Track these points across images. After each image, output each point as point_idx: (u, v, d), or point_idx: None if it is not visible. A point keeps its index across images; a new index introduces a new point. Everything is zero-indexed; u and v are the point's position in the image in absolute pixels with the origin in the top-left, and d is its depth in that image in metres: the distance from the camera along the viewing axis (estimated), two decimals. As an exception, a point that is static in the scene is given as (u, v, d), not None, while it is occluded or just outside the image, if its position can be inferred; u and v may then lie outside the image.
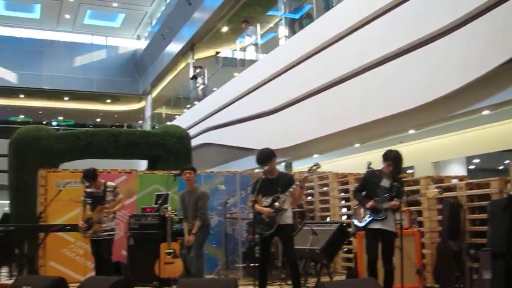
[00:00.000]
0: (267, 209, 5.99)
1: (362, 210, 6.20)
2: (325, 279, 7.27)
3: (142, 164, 14.83)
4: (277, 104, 12.35)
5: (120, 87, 29.46)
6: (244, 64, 16.31)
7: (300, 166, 13.76)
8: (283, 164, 13.76)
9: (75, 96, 29.46)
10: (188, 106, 21.71)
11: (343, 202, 9.79)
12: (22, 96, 29.09)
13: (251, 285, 6.50)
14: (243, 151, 14.25)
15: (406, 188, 7.18)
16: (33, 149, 10.31)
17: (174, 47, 23.49)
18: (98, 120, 32.89)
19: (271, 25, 17.24)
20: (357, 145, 12.31)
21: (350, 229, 7.86)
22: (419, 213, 7.73)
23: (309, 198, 10.53)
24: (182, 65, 24.62)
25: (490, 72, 7.00)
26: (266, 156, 6.14)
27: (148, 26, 29.11)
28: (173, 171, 7.37)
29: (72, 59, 28.55)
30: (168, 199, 8.45)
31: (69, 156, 10.92)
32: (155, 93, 29.06)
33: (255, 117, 13.58)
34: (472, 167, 17.07)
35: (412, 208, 7.54)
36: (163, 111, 26.02)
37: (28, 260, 8.27)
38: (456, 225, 6.97)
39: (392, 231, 5.93)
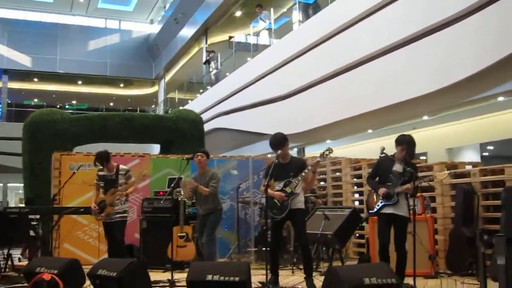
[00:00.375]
0: (279, 193, 6.00)
1: (375, 195, 6.19)
2: (337, 264, 7.28)
3: (155, 148, 14.89)
4: (290, 89, 12.32)
5: (133, 71, 29.52)
6: (257, 49, 16.25)
7: (312, 151, 13.75)
8: (296, 149, 13.75)
9: (89, 80, 29.58)
10: (201, 90, 21.72)
11: (355, 187, 9.77)
12: (36, 79, 29.25)
13: (263, 269, 6.53)
14: (256, 136, 14.26)
15: (420, 174, 7.15)
16: (47, 132, 10.38)
17: (187, 32, 23.46)
18: (111, 104, 33.00)
19: (285, 9, 17.14)
20: (370, 131, 12.26)
21: (362, 214, 7.86)
22: (433, 199, 7.70)
23: (322, 183, 10.51)
24: (195, 49, 24.59)
25: (505, 58, 6.93)
26: (279, 141, 6.15)
27: (161, 10, 29.06)
28: (186, 155, 7.37)
29: (85, 43, 28.62)
30: (181, 183, 8.48)
31: (83, 139, 10.99)
32: (168, 77, 29.08)
33: (268, 102, 13.57)
34: (486, 154, 16.96)
35: (426, 194, 7.50)
36: (176, 95, 26.05)
37: (42, 242, 8.33)
38: (470, 211, 6.95)
39: (404, 216, 5.91)
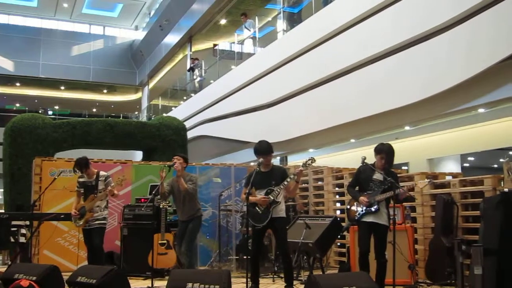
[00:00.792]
0: (260, 196, 6.00)
1: (356, 204, 6.23)
2: (317, 272, 7.30)
3: (138, 155, 14.84)
4: (273, 98, 12.36)
5: (117, 77, 29.41)
6: (241, 57, 16.30)
7: (295, 160, 13.79)
8: (278, 157, 13.78)
9: (72, 85, 29.40)
10: (185, 98, 21.70)
11: (337, 196, 9.82)
12: (18, 84, 29.01)
13: (244, 277, 6.52)
14: (239, 144, 14.28)
15: (401, 184, 7.21)
16: (28, 137, 10.30)
17: (172, 39, 23.45)
18: (94, 110, 32.81)
19: (270, 18, 17.22)
20: (352, 140, 12.34)
21: (343, 224, 7.90)
22: (413, 209, 7.77)
23: (304, 192, 10.54)
24: (180, 56, 24.59)
25: (486, 70, 7.03)
26: (267, 148, 6.16)
27: (146, 16, 29.02)
28: (168, 162, 7.35)
29: (69, 48, 28.47)
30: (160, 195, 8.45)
31: (65, 145, 10.92)
32: (152, 84, 29.02)
33: (251, 110, 13.59)
34: (466, 164, 17.14)
35: (406, 204, 7.56)
36: (160, 102, 26.01)
37: (22, 248, 8.25)
38: (449, 221, 7.01)
39: (385, 224, 5.96)
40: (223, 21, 20.32)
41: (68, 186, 8.51)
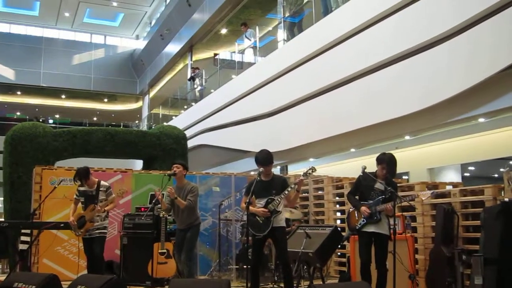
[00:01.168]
0: (262, 209, 6.00)
1: (356, 214, 6.23)
2: (318, 282, 7.27)
3: (138, 164, 14.83)
4: (274, 107, 12.36)
5: (118, 86, 29.46)
6: (242, 66, 16.32)
7: (295, 170, 13.78)
8: (279, 167, 13.77)
9: (72, 94, 29.45)
10: (185, 107, 21.72)
11: (337, 206, 9.81)
12: (19, 93, 29.06)
13: (243, 287, 6.51)
14: (239, 153, 14.28)
15: (400, 194, 7.22)
16: (28, 146, 10.30)
17: (172, 48, 23.51)
18: (95, 119, 32.86)
19: (270, 28, 17.27)
20: (353, 150, 12.34)
21: (344, 233, 7.89)
22: (413, 218, 7.75)
23: (304, 201, 10.54)
24: (180, 66, 24.64)
25: (487, 80, 7.04)
26: (267, 158, 6.16)
27: (147, 26, 29.13)
28: (168, 171, 7.34)
29: (70, 57, 28.53)
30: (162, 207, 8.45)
31: (65, 154, 10.91)
32: (152, 93, 29.07)
33: (252, 120, 13.60)
34: (467, 174, 17.13)
35: (406, 214, 7.55)
36: (160, 111, 26.04)
37: (21, 257, 8.23)
38: (450, 231, 6.99)
39: (385, 234, 5.96)
40: (223, 31, 20.39)
41: (68, 195, 8.52)
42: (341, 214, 9.66)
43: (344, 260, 9.02)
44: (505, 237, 5.59)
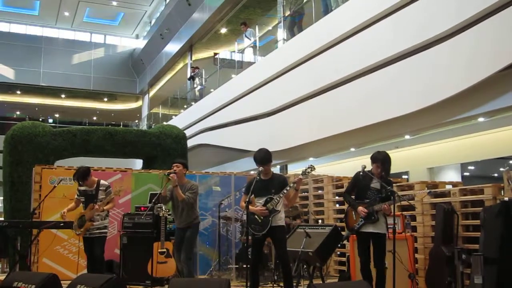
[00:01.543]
0: (259, 208, 6.00)
1: (353, 213, 6.24)
2: (317, 281, 7.27)
3: (138, 163, 14.83)
4: (274, 107, 12.36)
5: (118, 86, 29.46)
6: (242, 66, 16.32)
7: (295, 169, 13.78)
8: (278, 166, 13.77)
9: (72, 93, 29.45)
10: (185, 106, 21.72)
11: (337, 205, 9.81)
12: (18, 92, 29.06)
13: (243, 286, 6.51)
14: (239, 153, 14.28)
15: (400, 193, 7.22)
16: (28, 145, 10.29)
17: (172, 47, 23.51)
18: (95, 118, 32.87)
19: (270, 27, 17.27)
20: (352, 149, 12.34)
21: (343, 233, 7.88)
22: (413, 217, 7.75)
23: (304, 201, 10.54)
24: (180, 65, 24.64)
25: (486, 79, 7.04)
26: (266, 157, 6.15)
27: (147, 25, 29.13)
28: (168, 171, 7.33)
29: (70, 57, 28.54)
30: (161, 199, 8.44)
31: (65, 153, 10.91)
32: (152, 92, 29.07)
33: (251, 119, 13.60)
34: (466, 173, 17.13)
35: (406, 213, 7.55)
36: (160, 111, 26.03)
37: (21, 256, 8.24)
38: (449, 230, 6.99)
39: (383, 233, 5.99)
40: (223, 30, 20.39)
41: (68, 194, 8.51)
42: (340, 213, 9.64)
43: (344, 259, 9.02)
44: (505, 237, 5.59)
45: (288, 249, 6.23)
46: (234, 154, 14.78)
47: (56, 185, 7.83)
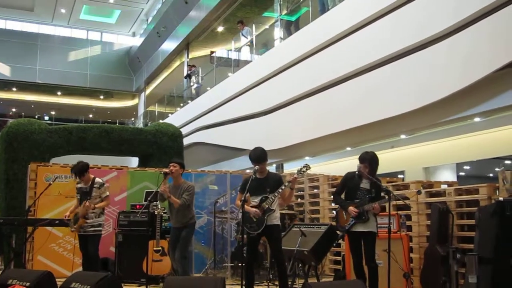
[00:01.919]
0: (254, 209, 6.00)
1: (344, 213, 6.28)
2: (312, 280, 7.28)
3: (134, 161, 14.81)
4: (270, 105, 12.37)
5: (114, 83, 29.43)
6: (238, 64, 16.32)
7: (291, 168, 13.79)
8: (274, 165, 13.78)
9: (68, 91, 29.41)
10: (182, 104, 21.70)
11: (333, 204, 9.81)
12: (14, 89, 29.00)
13: (238, 284, 6.51)
14: (235, 151, 14.27)
15: (396, 192, 7.23)
16: (24, 142, 10.26)
17: (169, 45, 23.49)
18: (91, 116, 32.82)
19: (267, 26, 17.26)
20: (348, 148, 12.34)
21: (339, 232, 7.89)
22: (408, 217, 7.77)
23: (299, 199, 10.55)
24: (177, 63, 24.62)
25: (482, 79, 7.05)
26: (261, 155, 6.15)
27: (143, 23, 29.08)
28: (164, 169, 7.32)
29: (66, 54, 28.49)
30: (158, 197, 8.43)
31: (60, 150, 10.88)
32: (148, 90, 29.04)
33: (248, 118, 13.60)
34: (462, 173, 17.15)
35: (401, 212, 7.57)
36: (156, 109, 26.00)
37: (16, 254, 8.22)
38: (444, 230, 7.01)
39: (372, 231, 6.03)
40: (220, 29, 20.39)
41: (63, 192, 8.51)
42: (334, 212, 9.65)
43: (339, 258, 9.03)
44: (500, 237, 5.60)
45: (283, 247, 6.24)
46: (230, 153, 14.78)
47: (51, 182, 7.80)
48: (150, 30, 25.61)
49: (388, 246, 5.87)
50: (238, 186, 6.59)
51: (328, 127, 10.32)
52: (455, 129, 10.80)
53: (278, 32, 13.85)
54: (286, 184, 6.03)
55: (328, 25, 10.55)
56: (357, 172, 6.19)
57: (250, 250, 6.18)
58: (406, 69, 8.45)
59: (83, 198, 7.03)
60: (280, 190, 5.98)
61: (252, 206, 6.03)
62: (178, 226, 7.13)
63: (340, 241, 8.42)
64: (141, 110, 29.10)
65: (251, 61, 15.19)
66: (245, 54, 16.16)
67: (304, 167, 6.14)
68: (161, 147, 11.65)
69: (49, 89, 28.84)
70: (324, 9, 11.30)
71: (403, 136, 11.12)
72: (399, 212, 7.48)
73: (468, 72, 7.28)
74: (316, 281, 7.27)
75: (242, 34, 16.23)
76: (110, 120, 31.13)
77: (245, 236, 6.25)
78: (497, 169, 15.24)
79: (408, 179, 12.55)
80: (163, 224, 7.87)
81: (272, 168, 13.79)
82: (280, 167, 14.00)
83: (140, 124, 26.80)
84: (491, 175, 18.44)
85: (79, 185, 7.18)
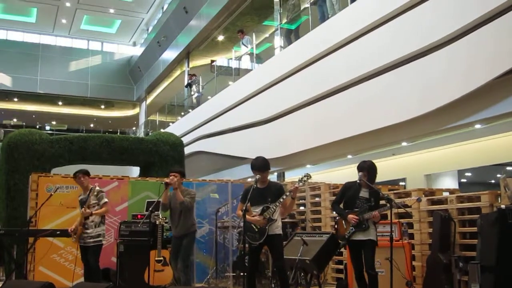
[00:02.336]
0: (257, 217, 5.98)
1: (344, 222, 6.27)
2: (314, 289, 7.26)
3: (135, 171, 14.80)
4: (271, 114, 12.36)
5: (115, 93, 29.47)
6: (239, 73, 16.33)
7: (292, 176, 13.77)
8: (276, 173, 13.76)
9: (69, 101, 29.45)
10: (182, 113, 21.71)
11: (334, 212, 9.78)
12: (16, 99, 29.03)
13: (240, 294, 6.49)
14: (236, 160, 14.26)
15: (397, 200, 7.21)
16: (25, 153, 10.27)
17: (169, 55, 23.53)
18: (92, 125, 32.84)
19: (267, 35, 17.29)
20: (349, 156, 12.32)
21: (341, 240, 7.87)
22: (410, 225, 7.74)
23: (301, 208, 10.52)
24: (177, 72, 24.66)
25: (483, 86, 7.05)
26: (263, 164, 6.15)
27: (144, 33, 29.15)
28: (165, 179, 7.32)
29: (67, 64, 28.55)
30: (160, 207, 8.42)
31: (62, 160, 10.88)
32: (149, 100, 29.07)
33: (248, 126, 13.59)
34: (463, 180, 17.12)
35: (403, 220, 7.55)
36: (157, 118, 26.02)
37: (17, 265, 8.20)
38: (447, 237, 6.99)
39: (372, 239, 6.02)
40: (220, 38, 20.43)
41: (64, 202, 8.50)
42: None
43: (341, 267, 8.99)
44: (502, 245, 5.59)
45: (285, 257, 6.22)
46: (231, 162, 14.77)
47: (52, 193, 7.79)
48: (151, 40, 25.68)
49: (390, 254, 5.85)
50: (240, 195, 6.58)
51: (329, 135, 10.32)
52: (456, 136, 10.80)
53: (278, 41, 13.86)
54: (288, 193, 6.02)
55: (328, 33, 10.56)
56: (358, 181, 6.19)
57: (252, 260, 6.16)
58: (407, 77, 8.45)
59: (83, 208, 7.07)
60: (281, 200, 5.97)
61: (253, 216, 6.02)
62: (179, 235, 7.16)
63: (342, 249, 8.41)
64: (142, 119, 29.12)
65: (251, 69, 15.20)
66: (245, 63, 16.18)
67: (305, 176, 6.13)
68: (162, 156, 11.65)
69: (50, 99, 28.89)
70: (324, 17, 11.31)
71: (404, 144, 11.11)
72: (401, 220, 7.46)
73: (469, 79, 7.28)
74: (318, 290, 7.25)
75: (242, 43, 16.26)
76: (111, 130, 31.17)
77: (246, 245, 6.24)
78: (498, 175, 15.22)
79: (410, 187, 12.53)
80: (164, 233, 7.85)
81: (273, 177, 13.78)
82: (281, 175, 13.97)
83: (141, 133, 26.82)
84: (492, 181, 18.40)
85: (80, 197, 7.23)
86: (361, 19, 9.46)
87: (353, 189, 6.25)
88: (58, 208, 8.72)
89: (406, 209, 6.48)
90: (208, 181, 10.39)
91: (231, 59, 18.73)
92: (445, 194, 8.16)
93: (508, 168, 14.44)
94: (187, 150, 15.03)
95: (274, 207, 5.97)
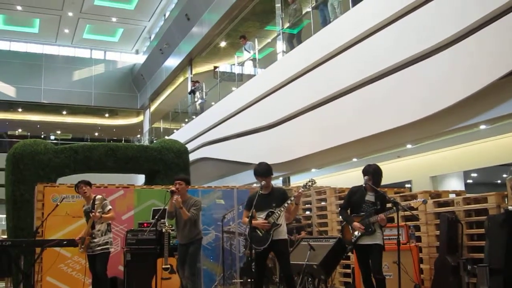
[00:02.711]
0: (262, 221, 5.98)
1: (350, 228, 6.26)
2: (322, 294, 7.24)
3: (140, 179, 14.81)
4: (275, 119, 12.36)
5: (119, 101, 29.53)
6: (242, 78, 16.35)
7: (298, 181, 13.76)
8: (281, 178, 13.75)
9: (74, 110, 29.53)
10: (186, 120, 21.74)
11: (340, 217, 9.76)
12: (20, 110, 29.14)
13: (248, 300, 6.47)
14: (241, 166, 14.25)
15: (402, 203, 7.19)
16: (30, 163, 10.29)
17: (172, 62, 23.58)
18: (96, 134, 32.91)
19: (269, 40, 17.32)
20: (354, 159, 12.31)
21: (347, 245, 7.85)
22: (417, 228, 7.72)
23: (307, 212, 10.50)
24: (180, 79, 24.70)
25: (487, 87, 7.03)
26: (267, 170, 6.15)
27: (146, 40, 29.23)
28: (170, 186, 7.31)
29: (70, 73, 28.64)
30: (166, 214, 8.42)
31: (67, 170, 10.90)
32: (153, 107, 29.12)
33: (253, 132, 13.59)
34: (469, 181, 17.09)
35: (410, 223, 7.52)
36: (161, 125, 26.06)
37: (25, 275, 8.20)
38: (454, 240, 6.96)
39: (378, 243, 6.00)
40: (222, 44, 20.47)
41: (70, 212, 8.50)
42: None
43: (349, 271, 8.96)
44: (510, 246, 5.56)
45: (292, 262, 6.21)
46: (236, 167, 14.76)
47: (58, 203, 7.79)
48: (153, 47, 25.74)
49: (398, 257, 5.82)
50: (245, 202, 6.57)
51: (334, 139, 10.31)
52: (461, 137, 10.78)
53: (280, 46, 13.87)
54: (292, 199, 6.01)
55: (331, 37, 10.56)
56: (364, 185, 6.18)
57: (259, 266, 6.15)
58: (410, 79, 8.45)
59: (88, 217, 7.08)
60: (286, 205, 5.97)
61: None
62: (184, 242, 7.14)
63: (349, 253, 8.38)
64: (146, 127, 29.17)
65: (254, 75, 15.21)
66: (248, 68, 16.19)
67: (309, 181, 6.13)
68: (167, 163, 11.66)
69: (55, 108, 29.00)
70: (325, 21, 11.33)
71: (409, 146, 11.10)
72: (408, 223, 7.44)
73: (473, 80, 7.27)
74: (326, 295, 7.23)
75: (245, 49, 16.27)
76: (115, 138, 31.21)
77: (253, 251, 6.24)
78: (504, 175, 15.18)
79: (416, 189, 12.51)
80: (171, 241, 7.84)
81: (278, 182, 13.77)
82: (286, 180, 13.97)
83: (145, 141, 26.84)
84: (498, 181, 18.38)
85: (84, 208, 7.24)
86: (363, 22, 9.47)
87: (359, 193, 6.23)
88: (64, 218, 8.72)
89: (412, 211, 6.45)
90: (214, 188, 10.38)
91: (233, 65, 18.75)
92: (452, 196, 8.14)
93: (514, 168, 14.41)
94: (192, 156, 15.04)
95: (279, 212, 5.97)
